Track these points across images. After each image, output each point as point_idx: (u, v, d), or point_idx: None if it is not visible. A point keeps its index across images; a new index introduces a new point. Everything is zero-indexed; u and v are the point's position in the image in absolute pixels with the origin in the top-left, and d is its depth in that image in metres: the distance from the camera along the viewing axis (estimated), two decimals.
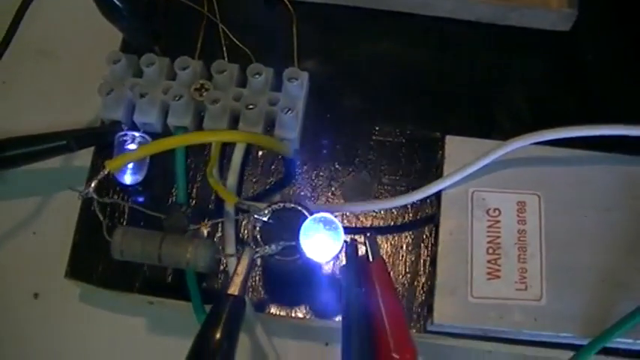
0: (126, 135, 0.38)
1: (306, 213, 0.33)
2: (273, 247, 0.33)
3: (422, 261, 0.37)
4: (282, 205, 0.34)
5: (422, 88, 0.41)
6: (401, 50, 0.42)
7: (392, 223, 0.37)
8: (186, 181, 0.37)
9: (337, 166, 0.39)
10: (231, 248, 0.36)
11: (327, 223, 0.32)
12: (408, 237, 0.37)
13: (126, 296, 0.38)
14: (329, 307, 0.37)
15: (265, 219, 0.34)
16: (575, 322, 0.34)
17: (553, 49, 0.42)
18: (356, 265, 0.33)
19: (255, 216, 0.33)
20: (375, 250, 0.33)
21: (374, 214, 0.38)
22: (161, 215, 0.34)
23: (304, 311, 0.37)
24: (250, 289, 0.37)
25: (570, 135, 0.36)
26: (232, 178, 0.37)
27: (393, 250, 0.37)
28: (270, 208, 0.34)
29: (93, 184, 0.34)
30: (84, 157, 0.40)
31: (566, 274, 0.35)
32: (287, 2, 0.41)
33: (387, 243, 0.37)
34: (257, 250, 0.33)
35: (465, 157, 0.36)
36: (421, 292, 0.37)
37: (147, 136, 0.38)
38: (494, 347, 0.38)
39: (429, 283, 0.36)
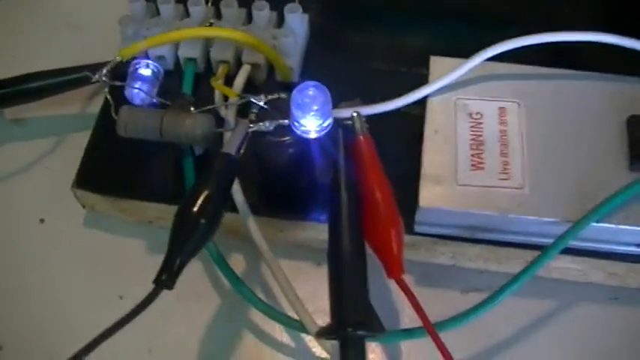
0: (139, 62, 0.41)
1: None
2: (267, 123, 0.35)
3: (409, 169, 0.38)
4: (277, 95, 0.37)
5: (416, 31, 0.45)
6: None
7: (379, 133, 0.39)
8: (193, 80, 0.40)
9: (332, 95, 0.41)
10: (228, 126, 0.38)
11: (317, 88, 0.34)
12: (395, 147, 0.39)
13: (129, 205, 0.40)
14: (322, 209, 0.38)
15: (261, 103, 0.36)
16: (558, 208, 0.35)
17: None
18: (344, 140, 0.35)
19: (252, 99, 0.36)
20: (362, 127, 0.35)
21: None
22: (167, 102, 0.37)
23: (296, 212, 0.38)
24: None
25: (532, 42, 0.39)
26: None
27: (380, 159, 0.38)
28: (266, 97, 0.36)
29: (105, 70, 0.37)
30: (99, 105, 0.44)
31: (547, 167, 0.36)
32: None
33: None
34: (251, 125, 0.35)
35: (448, 71, 0.39)
36: (407, 196, 0.37)
37: (159, 66, 0.42)
38: (485, 264, 0.38)
39: (415, 185, 0.38)
